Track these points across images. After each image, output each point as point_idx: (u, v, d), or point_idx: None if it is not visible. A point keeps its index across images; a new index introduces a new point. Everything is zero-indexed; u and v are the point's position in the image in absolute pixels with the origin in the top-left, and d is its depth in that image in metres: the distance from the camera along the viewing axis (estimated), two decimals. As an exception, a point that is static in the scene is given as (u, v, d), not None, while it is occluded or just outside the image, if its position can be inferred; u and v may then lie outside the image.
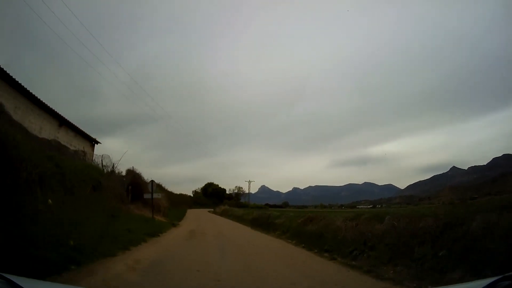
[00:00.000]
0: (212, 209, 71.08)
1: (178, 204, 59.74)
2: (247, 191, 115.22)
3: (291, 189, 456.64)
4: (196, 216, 42.25)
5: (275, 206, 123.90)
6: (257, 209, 71.35)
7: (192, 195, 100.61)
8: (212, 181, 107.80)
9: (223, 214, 51.85)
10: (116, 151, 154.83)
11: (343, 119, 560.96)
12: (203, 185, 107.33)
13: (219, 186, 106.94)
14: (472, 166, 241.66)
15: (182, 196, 76.05)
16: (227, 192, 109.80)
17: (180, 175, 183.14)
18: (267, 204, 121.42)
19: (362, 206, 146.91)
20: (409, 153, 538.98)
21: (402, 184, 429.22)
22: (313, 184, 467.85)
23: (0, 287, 2.02)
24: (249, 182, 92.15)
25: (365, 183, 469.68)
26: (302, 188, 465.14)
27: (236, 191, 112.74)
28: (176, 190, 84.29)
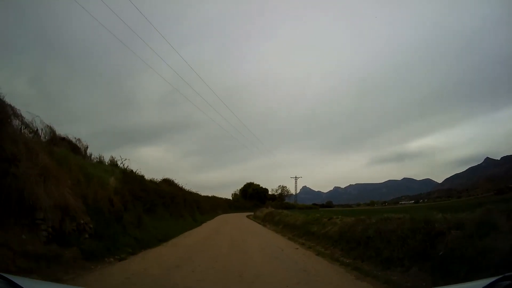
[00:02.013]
0: (252, 213, 49.97)
1: (206, 210, 38.98)
2: (291, 191, 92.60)
3: (332, 188, 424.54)
4: (214, 230, 20.40)
5: (323, 206, 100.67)
6: (307, 210, 49.56)
7: (231, 198, 79.97)
8: (252, 181, 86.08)
9: (266, 220, 30.15)
10: (156, 159, 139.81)
11: (379, 116, 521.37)
12: (242, 186, 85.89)
13: (260, 186, 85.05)
14: (504, 156, 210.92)
15: (214, 199, 55.35)
16: (269, 192, 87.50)
17: (221, 180, 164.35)
18: (314, 204, 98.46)
19: (404, 202, 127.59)
20: (445, 146, 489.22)
21: (439, 178, 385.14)
22: (353, 183, 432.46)
23: (0, 287, 1.83)
24: (296, 178, 70.12)
25: (403, 178, 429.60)
26: (343, 187, 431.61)
27: (279, 191, 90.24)
28: (218, 195, 64.93)
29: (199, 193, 47.57)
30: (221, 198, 63.85)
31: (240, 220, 34.13)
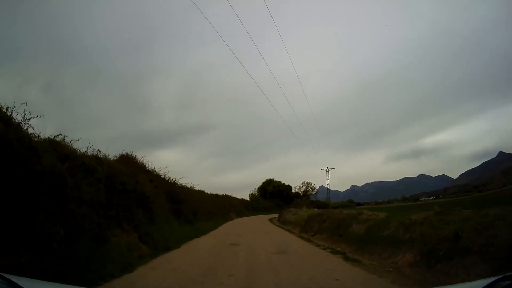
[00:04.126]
0: (276, 216, 33.55)
1: (208, 214, 22.84)
2: (316, 187, 75.15)
3: (349, 187, 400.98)
4: None
5: (361, 204, 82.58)
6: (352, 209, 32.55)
7: (248, 199, 62.98)
8: (272, 178, 68.47)
9: (317, 231, 13.42)
10: (174, 162, 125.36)
11: (394, 114, 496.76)
12: (262, 180, 68.36)
13: (282, 183, 67.45)
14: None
15: (224, 199, 38.68)
16: (292, 190, 69.83)
17: (240, 182, 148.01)
18: (351, 201, 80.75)
19: (423, 199, 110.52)
20: (459, 141, 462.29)
21: (454, 174, 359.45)
22: (370, 181, 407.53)
23: (0, 287, 1.73)
24: (328, 170, 53.08)
25: (419, 175, 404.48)
26: (359, 185, 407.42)
27: (303, 188, 72.54)
28: (238, 196, 49.14)
29: (203, 190, 31.15)
30: (235, 198, 46.93)
31: (263, 231, 17.34)
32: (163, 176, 15.96)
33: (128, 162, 14.41)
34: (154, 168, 16.02)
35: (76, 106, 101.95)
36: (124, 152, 15.00)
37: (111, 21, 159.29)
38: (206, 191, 33.01)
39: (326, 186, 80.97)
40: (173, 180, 16.98)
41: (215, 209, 29.58)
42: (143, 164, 15.55)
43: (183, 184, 19.20)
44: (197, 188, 26.68)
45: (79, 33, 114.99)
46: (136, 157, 15.38)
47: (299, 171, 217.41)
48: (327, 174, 61.34)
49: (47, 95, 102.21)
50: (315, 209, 22.16)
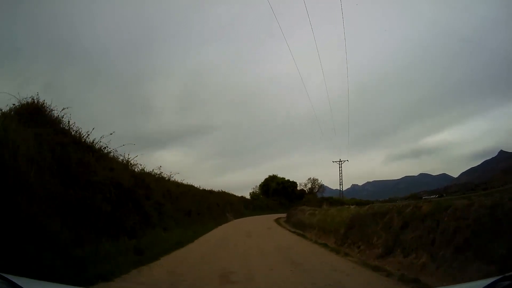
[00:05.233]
0: (283, 216, 26.96)
1: (190, 216, 14.83)
2: (322, 184, 66.94)
3: (349, 186, 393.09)
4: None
5: (370, 202, 74.95)
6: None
7: (249, 197, 55.02)
8: (275, 174, 60.37)
9: (455, 269, 5.57)
10: (174, 162, 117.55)
11: (394, 114, 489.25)
12: (263, 180, 60.15)
13: (287, 179, 59.22)
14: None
15: (219, 197, 30.80)
16: (298, 187, 61.60)
17: (240, 181, 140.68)
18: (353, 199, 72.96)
19: (426, 197, 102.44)
20: (459, 140, 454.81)
21: (455, 173, 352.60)
22: (370, 180, 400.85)
23: (0, 287, 1.66)
24: (340, 162, 45.71)
25: (420, 174, 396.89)
26: (360, 184, 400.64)
27: (309, 185, 64.31)
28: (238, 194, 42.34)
29: (192, 184, 23.20)
30: (233, 195, 39.00)
31: (278, 252, 9.27)
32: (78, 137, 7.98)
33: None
34: (79, 128, 8.16)
35: (76, 106, 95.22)
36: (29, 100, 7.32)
37: (111, 21, 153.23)
38: (195, 185, 25.32)
39: (327, 185, 73.92)
40: (106, 150, 8.98)
41: (205, 208, 21.68)
42: (59, 119, 7.80)
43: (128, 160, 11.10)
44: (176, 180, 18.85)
45: (79, 33, 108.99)
46: (49, 106, 7.62)
47: (300, 171, 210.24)
48: (340, 167, 53.36)
49: (47, 95, 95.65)
50: (351, 206, 14.15)
